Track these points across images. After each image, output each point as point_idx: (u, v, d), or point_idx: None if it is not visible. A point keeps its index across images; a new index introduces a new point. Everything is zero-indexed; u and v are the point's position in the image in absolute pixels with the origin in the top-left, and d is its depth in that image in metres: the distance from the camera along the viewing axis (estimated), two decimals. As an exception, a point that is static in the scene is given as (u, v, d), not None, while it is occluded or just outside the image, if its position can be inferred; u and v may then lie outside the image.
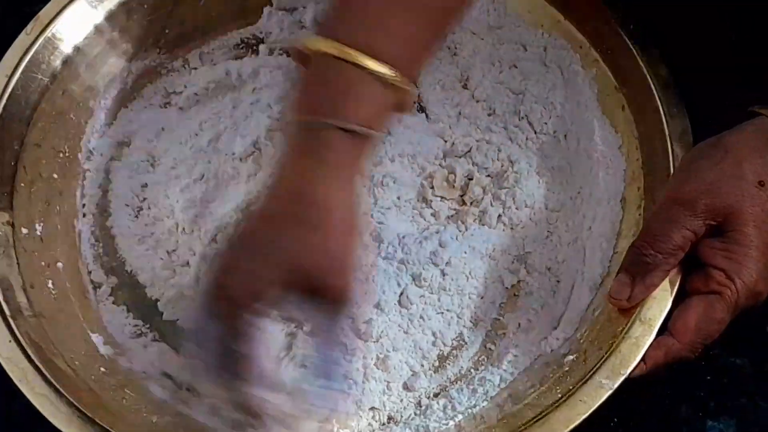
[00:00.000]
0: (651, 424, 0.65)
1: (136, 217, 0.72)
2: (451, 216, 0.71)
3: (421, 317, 0.66)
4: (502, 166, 0.72)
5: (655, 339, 0.59)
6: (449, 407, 0.64)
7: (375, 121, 0.57)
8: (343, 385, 0.59)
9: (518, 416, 0.59)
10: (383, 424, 0.64)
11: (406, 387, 0.65)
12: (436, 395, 0.65)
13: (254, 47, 0.79)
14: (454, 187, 0.72)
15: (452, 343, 0.67)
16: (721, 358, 0.66)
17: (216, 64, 0.78)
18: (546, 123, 0.73)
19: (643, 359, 0.59)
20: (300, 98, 0.58)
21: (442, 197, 0.72)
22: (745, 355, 0.67)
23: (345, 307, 0.57)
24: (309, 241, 0.55)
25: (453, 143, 0.73)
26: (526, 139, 0.73)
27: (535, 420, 0.58)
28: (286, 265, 0.55)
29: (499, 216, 0.70)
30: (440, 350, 0.67)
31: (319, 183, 0.56)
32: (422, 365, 0.66)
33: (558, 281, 0.68)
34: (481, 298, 0.68)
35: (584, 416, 0.57)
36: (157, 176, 0.73)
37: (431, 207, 0.71)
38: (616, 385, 0.58)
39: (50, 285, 0.67)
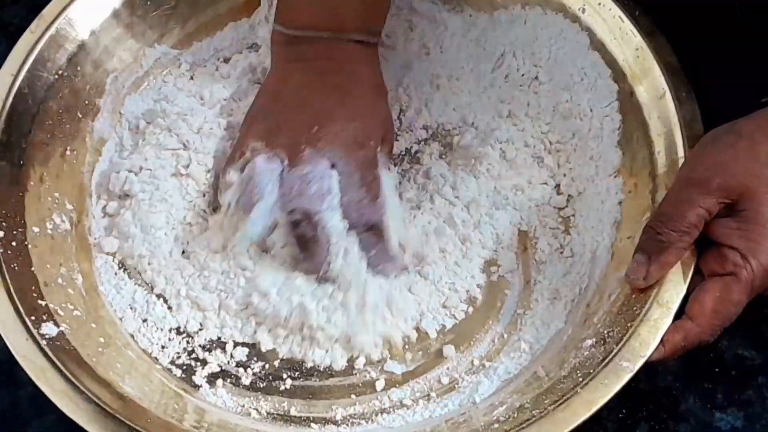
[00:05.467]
0: (659, 416, 0.65)
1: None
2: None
3: None
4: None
5: (673, 323, 0.60)
6: (466, 393, 0.65)
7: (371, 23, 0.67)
8: None
9: (539, 401, 0.59)
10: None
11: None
12: (453, 381, 0.66)
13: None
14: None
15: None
16: (729, 351, 0.67)
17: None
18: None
19: (662, 342, 0.59)
20: (284, 9, 0.65)
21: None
22: (754, 348, 0.67)
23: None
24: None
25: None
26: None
27: (557, 404, 0.58)
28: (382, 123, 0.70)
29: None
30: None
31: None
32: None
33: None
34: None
35: (606, 398, 0.58)
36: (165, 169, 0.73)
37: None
38: (637, 367, 0.58)
39: (64, 282, 0.66)
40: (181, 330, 0.68)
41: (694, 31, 0.69)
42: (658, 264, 0.60)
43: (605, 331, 0.61)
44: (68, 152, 0.72)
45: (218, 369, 0.67)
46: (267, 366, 0.67)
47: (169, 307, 0.69)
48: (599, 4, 0.73)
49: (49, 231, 0.68)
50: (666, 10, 0.70)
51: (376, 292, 0.66)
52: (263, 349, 0.67)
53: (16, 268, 0.64)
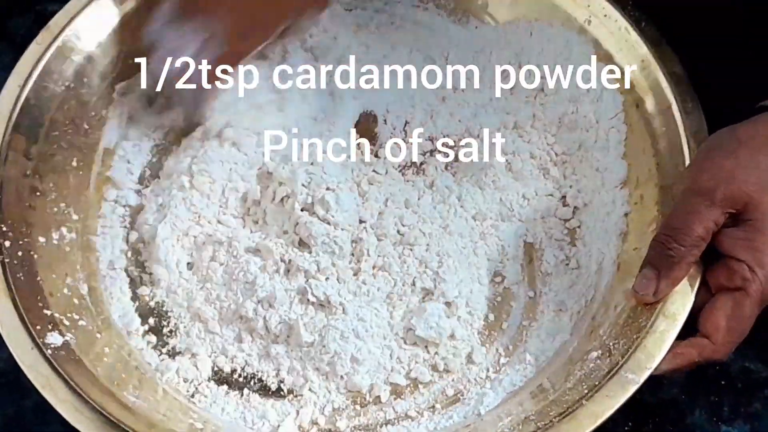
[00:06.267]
0: (665, 429, 0.65)
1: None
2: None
3: None
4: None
5: (687, 339, 0.59)
6: (471, 405, 0.65)
7: None
8: None
9: (545, 413, 0.59)
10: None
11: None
12: (458, 392, 0.66)
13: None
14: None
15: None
16: (735, 363, 0.67)
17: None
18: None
19: (674, 355, 0.59)
20: None
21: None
22: (760, 360, 0.67)
23: None
24: None
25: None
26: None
27: (562, 416, 0.58)
28: None
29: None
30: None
31: None
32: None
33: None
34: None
35: (611, 411, 0.57)
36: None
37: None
38: (642, 380, 0.58)
39: (69, 292, 0.66)
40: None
41: (694, 31, 0.69)
42: (669, 279, 0.60)
43: (611, 343, 0.61)
44: (75, 163, 0.72)
45: (223, 379, 0.66)
46: (271, 377, 0.67)
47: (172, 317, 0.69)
48: (605, 15, 0.73)
49: (56, 241, 0.68)
50: (666, 10, 0.70)
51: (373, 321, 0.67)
52: (264, 363, 0.67)
53: (22, 277, 0.64)
